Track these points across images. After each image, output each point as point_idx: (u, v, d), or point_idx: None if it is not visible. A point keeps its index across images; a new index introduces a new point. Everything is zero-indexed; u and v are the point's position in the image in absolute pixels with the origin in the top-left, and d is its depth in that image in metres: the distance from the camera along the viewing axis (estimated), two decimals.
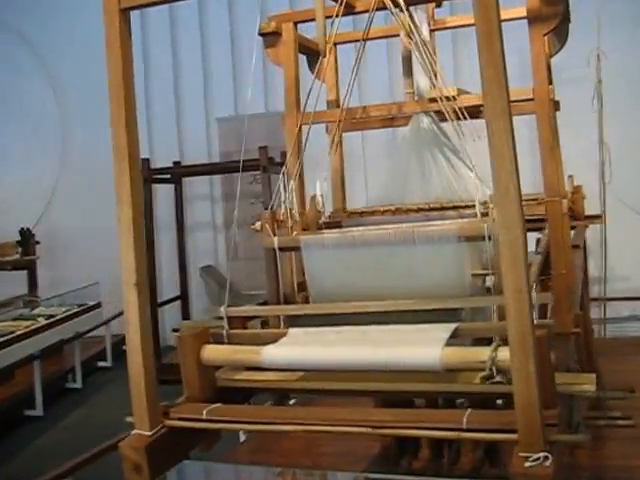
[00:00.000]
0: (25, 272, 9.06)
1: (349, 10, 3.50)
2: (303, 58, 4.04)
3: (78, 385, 7.95)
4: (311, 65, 4.14)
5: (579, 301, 3.52)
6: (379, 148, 8.18)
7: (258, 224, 3.08)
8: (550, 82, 3.40)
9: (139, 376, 2.32)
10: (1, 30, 10.47)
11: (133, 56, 2.34)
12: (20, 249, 9.00)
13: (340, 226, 3.49)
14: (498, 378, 2.07)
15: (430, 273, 2.58)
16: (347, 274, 2.70)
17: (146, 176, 7.50)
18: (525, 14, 3.35)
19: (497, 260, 2.48)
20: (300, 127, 3.45)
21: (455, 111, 2.99)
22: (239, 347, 2.50)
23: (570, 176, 4.35)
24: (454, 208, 3.41)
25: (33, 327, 7.25)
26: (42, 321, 7.52)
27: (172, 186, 9.07)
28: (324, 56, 3.24)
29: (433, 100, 3.43)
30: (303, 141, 3.35)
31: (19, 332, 6.98)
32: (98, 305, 8.63)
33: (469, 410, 2.06)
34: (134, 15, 2.33)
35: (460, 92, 3.43)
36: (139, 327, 2.32)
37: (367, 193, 6.99)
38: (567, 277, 3.16)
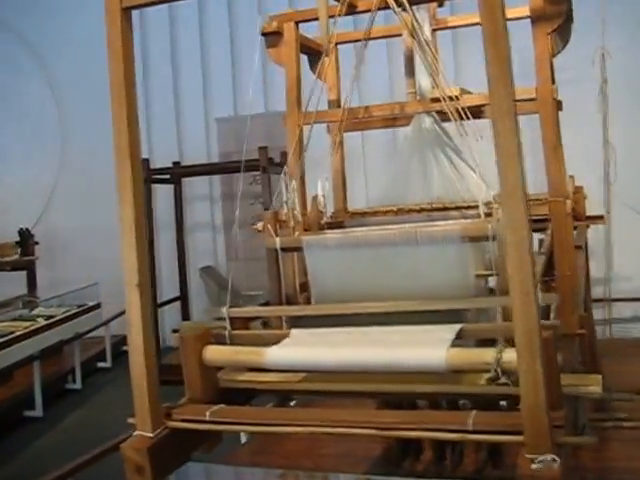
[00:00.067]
0: (24, 272, 9.03)
1: (351, 10, 3.49)
2: (303, 58, 4.03)
3: (78, 386, 7.92)
4: (312, 65, 4.13)
5: (583, 302, 3.51)
6: (379, 148, 8.17)
7: (260, 224, 3.07)
8: (553, 82, 3.39)
9: (141, 377, 2.30)
10: (0, 30, 10.45)
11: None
12: (19, 249, 8.97)
13: (342, 226, 3.48)
14: (503, 379, 2.06)
15: (433, 274, 2.56)
16: (350, 275, 2.69)
17: (145, 176, 7.47)
18: (527, 13, 3.35)
19: (501, 261, 2.48)
20: (301, 127, 3.44)
21: (458, 111, 2.98)
22: (241, 348, 2.49)
23: (571, 176, 4.34)
24: (457, 208, 3.39)
25: (33, 328, 7.22)
26: (42, 322, 7.49)
27: (171, 186, 9.05)
28: (327, 55, 3.23)
29: (435, 100, 3.42)
30: (305, 141, 3.34)
31: (19, 333, 6.95)
32: (98, 306, 8.60)
33: (474, 412, 2.05)
34: (133, 15, 2.32)
35: (462, 92, 3.42)
36: (141, 328, 2.29)
37: (367, 193, 6.97)
38: (571, 278, 3.15)
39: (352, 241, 2.71)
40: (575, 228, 4.26)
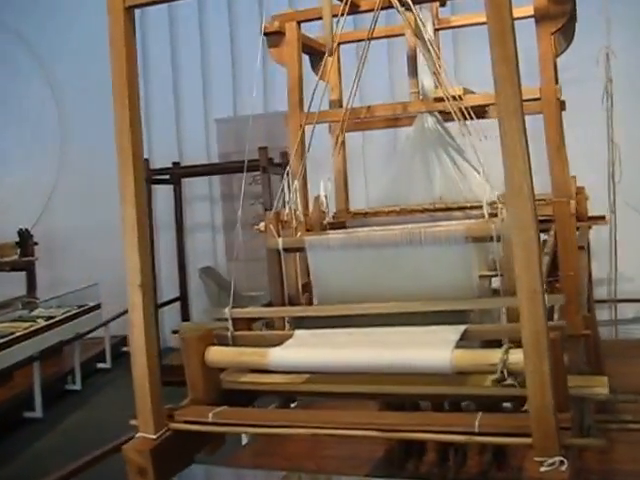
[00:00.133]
0: (24, 273, 9.01)
1: (353, 9, 3.48)
2: (304, 58, 4.02)
3: (77, 387, 7.91)
4: (314, 65, 4.12)
5: (586, 303, 3.49)
6: (379, 148, 8.16)
7: (262, 225, 3.05)
8: (556, 81, 3.38)
9: (144, 378, 2.28)
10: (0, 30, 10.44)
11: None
12: (19, 250, 8.95)
13: (344, 227, 3.46)
14: (509, 381, 2.04)
15: (437, 274, 2.55)
16: (352, 275, 2.67)
17: (145, 177, 7.44)
18: (530, 13, 3.34)
19: (505, 261, 2.47)
20: (303, 127, 3.43)
21: (461, 111, 2.96)
22: (244, 349, 2.47)
23: (573, 177, 4.33)
24: (460, 209, 3.38)
25: (32, 328, 7.21)
26: (41, 322, 7.48)
27: (171, 187, 9.03)
28: (330, 55, 3.21)
29: (438, 100, 3.40)
30: (309, 141, 3.33)
31: (18, 333, 6.94)
32: (98, 306, 8.59)
33: (480, 413, 2.03)
34: None
35: (465, 92, 3.41)
36: (144, 329, 2.27)
37: (367, 194, 6.96)
38: (575, 279, 3.13)
39: (355, 241, 2.69)
40: (577, 229, 4.25)
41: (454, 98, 3.04)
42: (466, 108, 2.97)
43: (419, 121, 3.77)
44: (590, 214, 4.55)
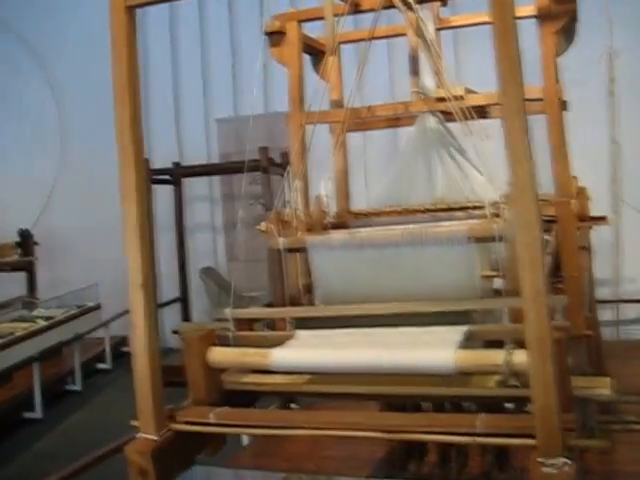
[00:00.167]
0: (24, 273, 9.00)
1: (355, 9, 3.47)
2: (305, 58, 4.01)
3: (78, 387, 7.89)
4: (315, 65, 4.11)
5: (588, 303, 3.48)
6: (379, 149, 8.15)
7: (263, 225, 3.04)
8: (557, 81, 3.37)
9: (145, 379, 2.27)
10: (0, 30, 10.43)
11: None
12: (19, 250, 8.94)
13: (346, 227, 3.45)
14: (512, 382, 2.03)
15: (440, 275, 2.54)
16: (354, 275, 2.67)
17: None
18: (532, 13, 3.33)
19: (508, 261, 2.46)
20: (304, 127, 3.42)
21: (463, 110, 2.95)
22: (247, 350, 2.45)
23: (574, 177, 4.32)
24: (462, 209, 3.37)
25: (32, 329, 7.21)
26: (41, 323, 7.47)
27: (171, 187, 9.02)
28: (332, 54, 3.20)
29: (440, 100, 3.39)
30: (310, 141, 3.31)
31: (18, 334, 6.93)
32: (97, 307, 8.58)
33: (483, 414, 2.02)
34: None
35: (467, 91, 3.40)
36: (145, 329, 2.26)
37: (367, 194, 6.95)
38: (578, 279, 3.12)
39: (357, 242, 2.67)
40: (578, 229, 4.24)
41: (456, 98, 3.02)
42: (468, 108, 2.96)
43: (421, 121, 3.76)
44: (591, 214, 4.55)
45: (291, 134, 3.58)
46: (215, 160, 9.52)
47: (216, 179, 9.70)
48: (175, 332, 6.40)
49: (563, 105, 3.64)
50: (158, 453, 2.21)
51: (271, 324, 3.00)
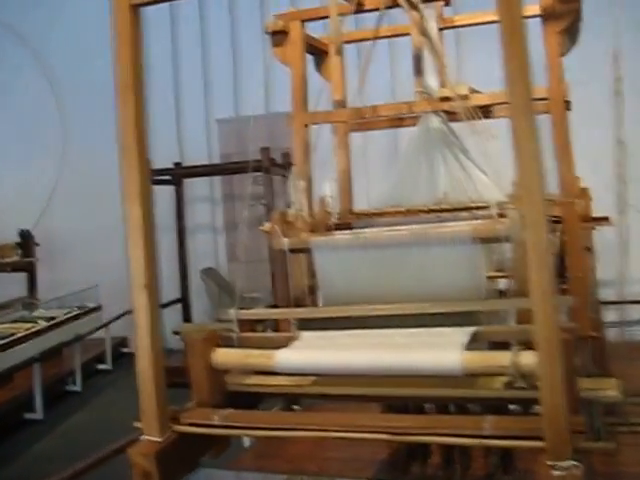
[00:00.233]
0: (24, 274, 8.98)
1: (358, 8, 3.45)
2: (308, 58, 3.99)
3: (78, 388, 7.88)
4: (318, 65, 4.09)
5: (593, 304, 3.47)
6: (381, 149, 8.13)
7: (267, 225, 3.02)
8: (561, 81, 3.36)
9: (148, 380, 2.26)
10: (0, 30, 10.41)
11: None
12: (20, 251, 8.92)
13: (350, 227, 3.43)
14: (519, 383, 2.02)
15: (445, 275, 2.52)
16: (359, 276, 2.65)
17: None
18: (536, 12, 3.31)
19: (514, 262, 2.44)
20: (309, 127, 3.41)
21: (468, 110, 2.94)
22: (251, 351, 2.44)
23: (577, 177, 4.30)
24: (467, 209, 3.35)
25: (33, 330, 7.19)
26: (42, 323, 7.45)
27: (172, 187, 9.00)
28: (337, 54, 3.19)
29: (444, 99, 3.38)
30: (312, 141, 3.30)
31: (19, 334, 6.91)
32: (98, 307, 8.57)
33: (490, 416, 2.00)
34: None
35: (471, 91, 3.38)
36: (149, 330, 2.25)
37: (368, 194, 6.93)
38: (583, 280, 3.11)
39: (362, 242, 2.66)
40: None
41: (461, 97, 3.01)
42: (473, 107, 2.94)
43: (424, 121, 3.75)
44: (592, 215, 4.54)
45: (294, 134, 3.56)
46: (216, 160, 9.50)
47: (217, 179, 9.68)
48: (176, 333, 6.40)
49: (566, 105, 3.63)
50: (162, 455, 2.20)
51: (271, 324, 2.98)
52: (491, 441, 1.96)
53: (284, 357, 2.35)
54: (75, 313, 8.12)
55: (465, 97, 3.08)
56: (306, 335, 2.51)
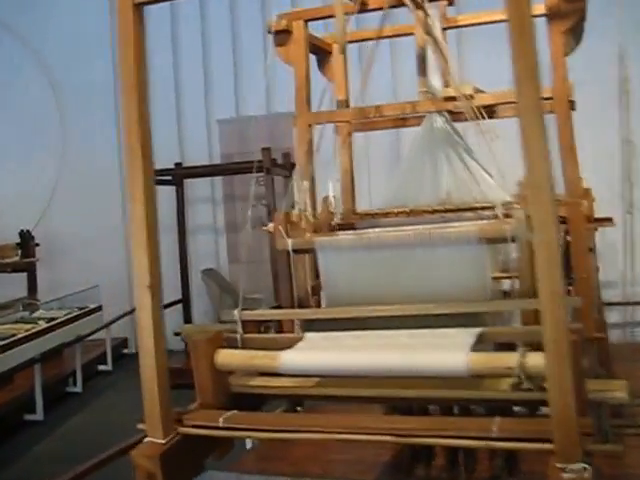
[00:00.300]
0: (25, 274, 8.96)
1: (362, 8, 3.44)
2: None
3: (78, 389, 7.85)
4: (321, 65, 4.08)
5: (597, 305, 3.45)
6: (383, 149, 8.12)
7: (271, 226, 3.01)
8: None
9: (152, 381, 2.24)
10: (0, 30, 10.39)
11: None
12: (20, 251, 8.90)
13: (353, 228, 3.42)
14: (526, 385, 2.00)
15: (450, 276, 2.50)
16: (363, 276, 2.63)
17: None
18: (541, 12, 3.30)
19: (520, 262, 2.42)
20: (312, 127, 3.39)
21: (472, 110, 2.92)
22: (256, 352, 2.42)
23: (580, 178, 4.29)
24: (471, 209, 3.33)
25: (34, 330, 7.16)
26: (43, 324, 7.43)
27: (173, 188, 8.98)
28: (342, 53, 3.18)
29: (448, 99, 3.36)
30: (315, 141, 3.29)
31: (20, 335, 6.89)
32: (99, 308, 8.54)
33: (498, 418, 1.98)
34: None
35: (476, 90, 3.37)
36: (153, 331, 2.23)
37: (370, 194, 6.92)
38: (587, 281, 3.09)
39: (366, 243, 2.64)
40: None
41: (466, 97, 2.99)
42: (477, 107, 2.93)
43: (428, 121, 3.73)
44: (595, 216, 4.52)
45: (298, 134, 3.54)
46: (217, 161, 9.48)
47: (218, 180, 9.66)
48: (177, 334, 6.38)
49: (571, 105, 3.62)
50: (166, 457, 2.18)
51: (269, 326, 2.97)
52: (499, 443, 1.94)
53: (289, 358, 2.33)
54: (75, 314, 8.09)
55: (470, 97, 3.06)
56: (310, 336, 2.49)
